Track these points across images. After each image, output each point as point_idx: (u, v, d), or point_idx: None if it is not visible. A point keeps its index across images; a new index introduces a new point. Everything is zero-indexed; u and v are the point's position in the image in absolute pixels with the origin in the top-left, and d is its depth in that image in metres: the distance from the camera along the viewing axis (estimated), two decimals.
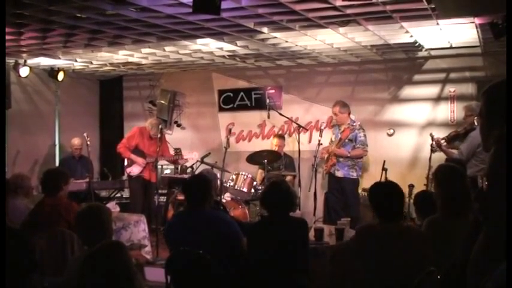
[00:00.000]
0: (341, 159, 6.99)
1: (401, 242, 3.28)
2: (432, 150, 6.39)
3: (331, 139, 7.34)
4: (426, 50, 7.06)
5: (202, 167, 7.28)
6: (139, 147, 7.60)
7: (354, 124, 6.97)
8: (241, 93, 8.88)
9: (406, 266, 3.19)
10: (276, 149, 7.62)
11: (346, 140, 6.94)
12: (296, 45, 6.65)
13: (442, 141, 6.32)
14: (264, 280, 3.72)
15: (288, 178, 7.41)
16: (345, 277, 3.77)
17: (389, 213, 3.38)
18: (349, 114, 7.14)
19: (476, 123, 5.96)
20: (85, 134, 7.41)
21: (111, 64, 8.20)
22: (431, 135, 6.45)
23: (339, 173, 7.03)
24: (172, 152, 7.60)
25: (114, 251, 2.69)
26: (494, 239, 2.02)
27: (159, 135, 7.36)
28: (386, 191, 3.48)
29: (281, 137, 8.01)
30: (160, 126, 7.33)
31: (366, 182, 7.24)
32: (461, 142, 6.19)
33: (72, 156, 8.24)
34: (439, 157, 6.38)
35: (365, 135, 7.02)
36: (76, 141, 8.15)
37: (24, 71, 7.68)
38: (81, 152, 8.17)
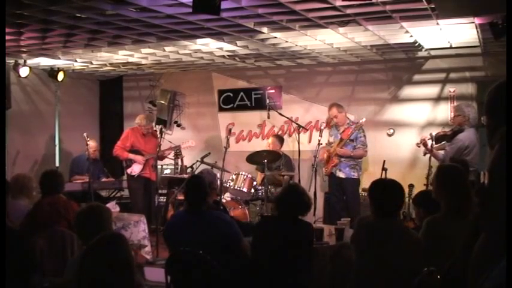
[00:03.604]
0: (343, 159, 7.00)
1: (392, 241, 3.29)
2: (424, 152, 6.42)
3: (328, 140, 7.34)
4: (426, 50, 7.06)
5: (202, 167, 7.27)
6: (135, 146, 7.65)
7: (353, 124, 7.00)
8: (241, 93, 8.88)
9: (395, 265, 3.21)
10: (270, 148, 7.70)
11: (348, 140, 6.95)
12: (296, 45, 6.65)
13: (429, 141, 6.31)
14: (264, 279, 3.72)
15: (285, 178, 7.43)
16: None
17: (385, 211, 3.39)
18: (345, 113, 7.20)
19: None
20: (85, 134, 7.41)
21: (111, 64, 8.20)
22: (431, 135, 6.45)
23: (341, 174, 7.04)
24: (171, 151, 7.68)
25: (115, 242, 2.71)
26: (494, 237, 2.02)
27: (150, 131, 7.60)
28: (386, 189, 3.49)
29: (278, 137, 8.01)
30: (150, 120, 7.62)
31: (366, 182, 7.24)
32: (448, 143, 6.19)
33: (87, 158, 8.06)
34: None
35: (365, 136, 7.05)
36: (94, 143, 8.08)
37: (24, 71, 7.68)
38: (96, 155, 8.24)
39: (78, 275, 2.71)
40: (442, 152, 6.23)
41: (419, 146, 6.44)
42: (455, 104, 7.44)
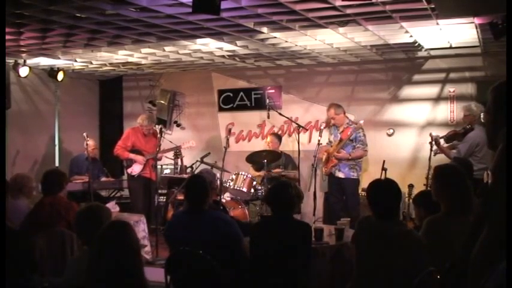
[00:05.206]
0: (342, 160, 7.00)
1: (394, 243, 3.26)
2: (433, 151, 6.41)
3: (328, 139, 7.34)
4: (426, 50, 7.06)
5: (202, 167, 7.27)
6: (136, 146, 7.66)
7: (352, 124, 7.01)
8: (241, 93, 8.88)
9: (396, 266, 3.19)
10: (269, 147, 7.70)
11: (347, 141, 6.96)
12: (296, 45, 6.65)
13: (441, 140, 6.35)
14: (264, 280, 3.72)
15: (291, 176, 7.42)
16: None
17: (384, 211, 3.38)
18: (344, 113, 7.19)
19: (483, 120, 5.98)
20: (85, 134, 7.40)
21: (111, 64, 8.20)
22: (430, 134, 6.47)
23: (340, 174, 7.04)
24: (165, 153, 7.71)
25: (126, 227, 2.82)
26: (495, 236, 2.02)
27: (151, 131, 7.65)
28: (383, 188, 3.48)
29: (276, 135, 8.02)
30: (151, 120, 7.68)
31: (366, 182, 7.21)
32: (459, 142, 6.22)
33: (86, 158, 8.00)
34: (439, 157, 6.40)
35: (364, 135, 7.05)
36: (92, 142, 8.04)
37: (23, 71, 7.67)
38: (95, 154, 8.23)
39: (95, 255, 2.74)
40: (454, 151, 6.26)
41: (431, 145, 6.44)
42: (455, 104, 7.47)
